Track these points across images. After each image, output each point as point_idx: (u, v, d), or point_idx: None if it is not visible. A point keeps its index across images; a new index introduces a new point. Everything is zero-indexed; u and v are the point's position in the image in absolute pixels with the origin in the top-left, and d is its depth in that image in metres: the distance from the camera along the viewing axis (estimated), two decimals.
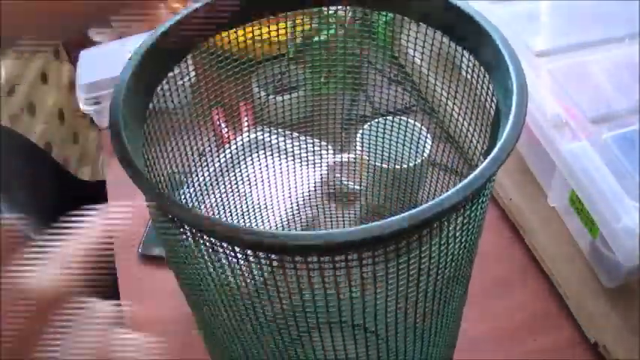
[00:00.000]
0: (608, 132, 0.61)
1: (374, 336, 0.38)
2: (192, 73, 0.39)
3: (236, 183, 0.55)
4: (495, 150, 0.30)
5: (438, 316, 0.40)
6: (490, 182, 0.35)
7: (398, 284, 0.33)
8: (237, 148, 0.56)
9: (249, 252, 0.29)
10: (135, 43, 0.38)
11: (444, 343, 0.46)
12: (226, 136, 0.67)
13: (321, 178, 0.66)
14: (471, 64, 0.36)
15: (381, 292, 0.33)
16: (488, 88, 0.36)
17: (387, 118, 0.58)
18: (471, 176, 0.28)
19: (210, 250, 0.30)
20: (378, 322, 0.36)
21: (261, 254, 0.29)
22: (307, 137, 0.56)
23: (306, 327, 0.36)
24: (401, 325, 0.37)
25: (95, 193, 0.85)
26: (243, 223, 0.58)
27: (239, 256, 0.30)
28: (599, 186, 0.56)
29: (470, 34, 0.35)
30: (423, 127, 0.60)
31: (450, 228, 0.31)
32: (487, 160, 0.30)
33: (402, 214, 0.27)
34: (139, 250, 0.69)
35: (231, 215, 0.57)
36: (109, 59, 0.84)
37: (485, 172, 0.29)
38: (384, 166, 0.62)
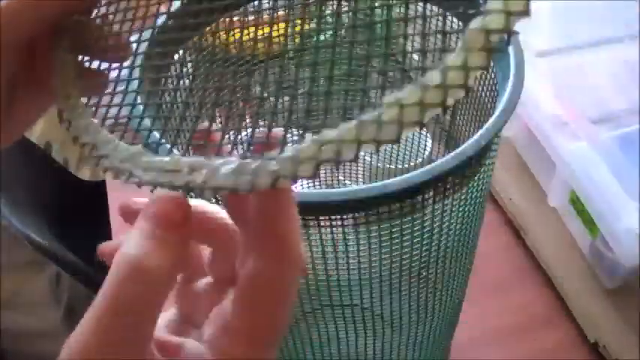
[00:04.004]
0: (608, 132, 0.61)
1: (380, 319, 0.39)
2: (192, 74, 0.39)
3: None
4: (497, 112, 0.31)
5: (442, 290, 0.41)
6: (494, 146, 0.35)
7: (402, 245, 0.33)
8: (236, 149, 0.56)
9: None
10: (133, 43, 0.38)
11: (445, 324, 0.46)
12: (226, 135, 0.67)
13: (321, 178, 0.66)
14: None
15: (386, 255, 0.34)
16: (489, 81, 0.36)
17: None
18: (477, 135, 0.29)
19: None
20: (383, 301, 0.36)
21: None
22: (307, 137, 0.56)
23: (311, 307, 0.36)
24: (405, 299, 0.38)
25: (95, 193, 0.85)
26: None
27: None
28: (599, 186, 0.56)
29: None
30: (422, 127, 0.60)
31: (455, 191, 0.32)
32: (490, 120, 0.31)
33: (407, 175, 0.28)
34: None
35: None
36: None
37: (490, 131, 0.30)
38: (384, 166, 0.62)
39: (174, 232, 0.20)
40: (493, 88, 0.39)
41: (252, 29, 0.36)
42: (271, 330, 0.21)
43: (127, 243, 0.20)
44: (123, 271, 0.19)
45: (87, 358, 0.19)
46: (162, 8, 0.31)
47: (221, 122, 0.34)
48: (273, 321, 0.21)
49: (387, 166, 0.62)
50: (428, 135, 0.60)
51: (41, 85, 0.28)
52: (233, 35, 0.40)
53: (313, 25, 0.39)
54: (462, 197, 0.35)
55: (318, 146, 0.19)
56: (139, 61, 0.28)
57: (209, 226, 0.25)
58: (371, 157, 0.62)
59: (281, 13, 0.41)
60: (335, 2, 0.38)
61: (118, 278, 0.19)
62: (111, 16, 0.28)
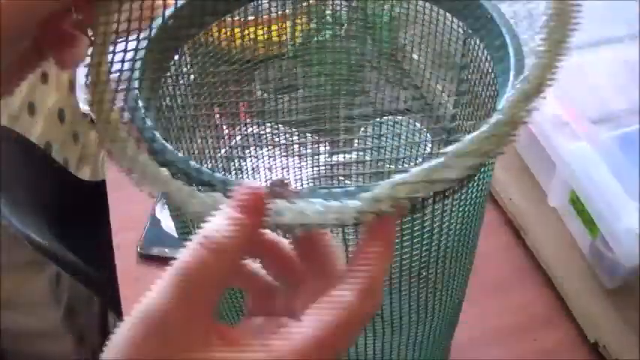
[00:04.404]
0: (608, 132, 0.61)
1: (380, 319, 0.39)
2: (192, 74, 0.39)
3: None
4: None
5: (442, 290, 0.41)
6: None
7: (402, 245, 0.34)
8: (236, 148, 0.56)
9: None
10: (133, 43, 0.38)
11: (445, 324, 0.46)
12: (226, 135, 0.67)
13: (321, 179, 0.65)
14: (472, 57, 0.37)
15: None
16: (489, 81, 0.36)
17: (387, 118, 0.58)
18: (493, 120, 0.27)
19: None
20: (383, 301, 0.36)
21: None
22: (307, 137, 0.56)
23: None
24: (405, 299, 0.38)
25: (95, 193, 0.85)
26: None
27: None
28: (599, 186, 0.56)
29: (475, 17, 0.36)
30: (423, 127, 0.60)
31: (455, 191, 0.32)
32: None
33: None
34: (139, 249, 0.69)
35: None
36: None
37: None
38: (384, 166, 0.62)
39: (247, 216, 0.23)
40: (493, 88, 0.39)
41: (252, 29, 0.36)
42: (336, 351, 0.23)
43: (208, 222, 0.23)
44: (196, 240, 0.22)
45: (152, 310, 0.22)
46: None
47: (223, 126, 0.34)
48: (343, 345, 0.24)
49: (387, 166, 0.62)
50: (428, 135, 0.60)
51: (41, 55, 0.33)
52: (234, 35, 0.40)
53: (313, 25, 0.39)
54: (462, 197, 0.35)
55: (393, 186, 0.23)
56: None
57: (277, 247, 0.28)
58: (371, 157, 0.62)
59: (281, 13, 0.41)
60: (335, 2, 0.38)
61: (192, 246, 0.22)
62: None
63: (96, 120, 0.29)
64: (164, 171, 0.27)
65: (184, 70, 0.39)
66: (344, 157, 0.66)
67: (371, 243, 0.24)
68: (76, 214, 0.97)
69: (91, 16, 0.31)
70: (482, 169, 0.35)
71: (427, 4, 0.40)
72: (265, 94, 0.54)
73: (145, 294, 0.22)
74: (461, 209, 0.36)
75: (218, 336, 0.23)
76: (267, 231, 0.27)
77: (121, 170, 0.28)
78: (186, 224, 0.36)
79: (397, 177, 0.23)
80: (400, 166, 0.62)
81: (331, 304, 0.23)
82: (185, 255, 0.22)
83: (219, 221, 0.23)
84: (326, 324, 0.23)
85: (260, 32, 0.40)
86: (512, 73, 0.33)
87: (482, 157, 0.22)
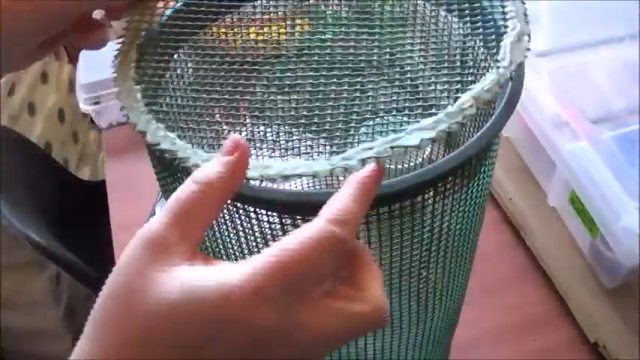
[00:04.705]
0: (608, 132, 0.61)
1: None
2: (193, 74, 0.39)
3: None
4: (497, 112, 0.32)
5: (442, 290, 0.41)
6: (494, 146, 0.36)
7: (402, 245, 0.34)
8: None
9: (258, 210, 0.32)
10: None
11: (445, 324, 0.46)
12: (226, 135, 0.67)
13: (321, 179, 0.65)
14: (473, 56, 0.37)
15: (386, 255, 0.34)
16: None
17: (387, 118, 0.58)
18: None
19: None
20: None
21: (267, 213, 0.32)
22: (307, 137, 0.56)
23: None
24: (405, 299, 0.38)
25: (95, 193, 0.85)
26: None
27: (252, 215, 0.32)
28: (599, 186, 0.56)
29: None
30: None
31: (455, 191, 0.33)
32: (490, 120, 0.32)
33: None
34: None
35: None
36: (109, 59, 0.84)
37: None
38: (384, 166, 0.62)
39: (232, 158, 0.27)
40: None
41: (252, 29, 0.36)
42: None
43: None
44: (190, 178, 0.27)
45: (150, 230, 0.27)
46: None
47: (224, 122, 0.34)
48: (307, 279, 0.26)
49: (387, 166, 0.62)
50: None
51: (65, 35, 0.38)
52: (234, 35, 0.40)
53: (313, 25, 0.39)
54: (462, 197, 0.35)
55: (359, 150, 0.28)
56: None
57: None
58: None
59: (281, 13, 0.41)
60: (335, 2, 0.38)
61: (186, 182, 0.27)
62: None
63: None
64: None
65: (184, 70, 0.39)
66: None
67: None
68: (76, 214, 0.97)
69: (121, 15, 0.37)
70: (483, 169, 0.35)
71: (427, 4, 0.40)
72: (265, 94, 0.54)
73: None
74: (461, 209, 0.36)
75: (201, 258, 0.26)
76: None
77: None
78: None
79: (365, 144, 0.28)
80: (400, 166, 0.62)
81: (297, 237, 0.25)
82: (180, 188, 0.26)
83: (210, 165, 0.27)
84: (291, 251, 0.25)
85: (260, 32, 0.40)
86: (509, 38, 0.33)
87: (432, 132, 0.28)
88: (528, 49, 0.31)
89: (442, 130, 0.28)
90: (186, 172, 0.29)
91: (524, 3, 0.35)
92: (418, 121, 0.28)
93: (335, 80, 0.35)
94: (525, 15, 0.34)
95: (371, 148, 0.28)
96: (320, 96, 0.34)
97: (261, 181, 0.29)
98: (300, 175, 0.28)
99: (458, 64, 0.37)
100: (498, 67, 0.30)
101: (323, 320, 0.26)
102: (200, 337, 0.24)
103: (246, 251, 0.35)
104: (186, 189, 0.26)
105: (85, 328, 0.25)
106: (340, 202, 0.26)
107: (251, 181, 0.29)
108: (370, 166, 0.28)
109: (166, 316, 0.24)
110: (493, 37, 0.36)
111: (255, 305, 0.24)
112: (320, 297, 0.26)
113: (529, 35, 0.32)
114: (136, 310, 0.25)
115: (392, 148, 0.28)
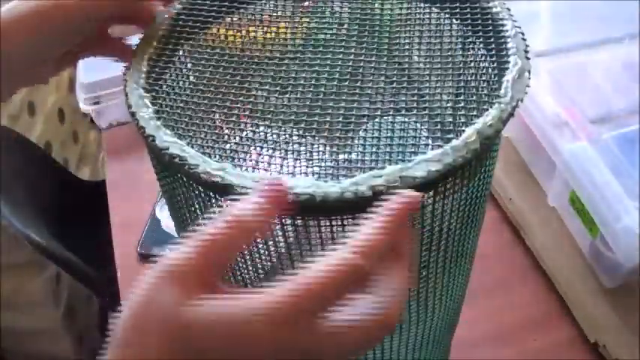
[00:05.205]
0: (608, 132, 0.61)
1: None
2: (190, 75, 0.39)
3: None
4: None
5: (442, 290, 0.41)
6: (494, 146, 0.36)
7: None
8: (236, 148, 0.56)
9: None
10: (134, 43, 0.38)
11: (445, 324, 0.46)
12: (226, 135, 0.67)
13: (321, 178, 0.65)
14: (473, 55, 0.37)
15: None
16: (489, 81, 0.36)
17: (387, 118, 0.58)
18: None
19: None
20: None
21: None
22: (307, 137, 0.56)
23: None
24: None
25: (95, 193, 0.85)
26: None
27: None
28: (599, 186, 0.56)
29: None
30: (423, 127, 0.60)
31: (455, 191, 0.33)
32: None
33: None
34: (139, 249, 0.69)
35: None
36: (108, 59, 0.84)
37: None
38: (384, 166, 0.61)
39: (271, 205, 0.27)
40: (492, 87, 0.39)
41: (252, 29, 0.36)
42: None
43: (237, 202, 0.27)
44: (225, 216, 0.27)
45: (174, 260, 0.26)
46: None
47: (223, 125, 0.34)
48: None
49: (388, 166, 0.62)
50: (428, 135, 0.60)
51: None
52: (234, 35, 0.40)
53: (313, 25, 0.39)
54: (462, 197, 0.35)
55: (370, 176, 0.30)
56: None
57: None
58: (370, 157, 0.62)
59: (281, 13, 0.41)
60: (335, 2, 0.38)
61: (220, 219, 0.26)
62: None
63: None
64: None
65: (184, 70, 0.39)
66: (344, 157, 0.66)
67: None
68: (76, 214, 0.97)
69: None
70: (483, 169, 0.35)
71: (427, 5, 0.40)
72: (265, 94, 0.54)
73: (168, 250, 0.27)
74: (461, 209, 0.36)
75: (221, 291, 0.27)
76: None
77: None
78: (183, 215, 0.36)
79: (375, 172, 0.30)
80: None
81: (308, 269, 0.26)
82: (212, 226, 0.26)
83: (246, 204, 0.27)
84: (302, 285, 0.25)
85: (260, 32, 0.40)
86: (511, 74, 0.33)
87: (439, 165, 0.30)
88: (528, 86, 0.33)
89: (448, 163, 0.30)
90: (192, 177, 0.30)
91: (524, 39, 0.36)
92: (417, 122, 0.28)
93: (335, 80, 0.35)
94: (526, 52, 0.35)
95: (380, 176, 0.29)
96: (320, 96, 0.34)
97: None
98: (311, 195, 0.29)
99: (458, 64, 0.37)
100: (500, 104, 0.32)
101: (339, 330, 0.26)
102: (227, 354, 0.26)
103: (246, 252, 0.35)
104: (221, 225, 0.26)
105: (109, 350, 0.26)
106: (370, 233, 0.27)
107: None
108: (406, 196, 0.28)
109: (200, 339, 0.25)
110: (492, 38, 0.36)
111: (280, 329, 0.25)
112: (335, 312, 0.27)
113: (529, 72, 0.34)
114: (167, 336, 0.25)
115: (400, 177, 0.29)
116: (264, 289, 0.26)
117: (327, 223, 0.31)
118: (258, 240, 0.35)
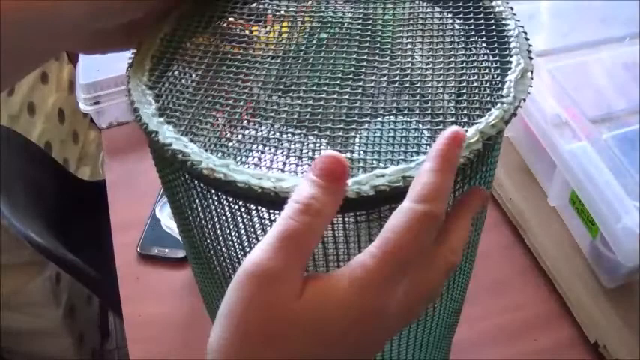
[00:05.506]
0: (608, 132, 0.61)
1: None
2: (193, 73, 0.39)
3: None
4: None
5: (443, 289, 0.41)
6: (496, 146, 0.36)
7: None
8: (236, 148, 0.56)
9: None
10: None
11: (445, 324, 0.46)
12: (228, 133, 0.67)
13: None
14: (473, 55, 0.37)
15: None
16: (490, 80, 0.36)
17: (389, 118, 0.58)
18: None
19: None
20: None
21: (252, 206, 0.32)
22: (307, 137, 0.56)
23: None
24: None
25: (95, 193, 0.85)
26: None
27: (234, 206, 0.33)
28: (599, 186, 0.56)
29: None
30: (423, 127, 0.60)
31: (455, 191, 0.33)
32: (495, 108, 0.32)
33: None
34: (138, 249, 0.69)
35: None
36: (109, 59, 0.84)
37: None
38: (385, 165, 0.62)
39: (335, 184, 0.27)
40: (494, 87, 0.39)
41: (252, 29, 0.36)
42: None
43: (297, 190, 0.27)
44: (292, 208, 0.26)
45: (259, 265, 0.25)
46: None
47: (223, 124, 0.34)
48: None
49: (387, 166, 0.62)
50: (428, 135, 0.60)
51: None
52: (234, 35, 0.40)
53: (313, 25, 0.39)
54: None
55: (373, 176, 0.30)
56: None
57: None
58: (371, 157, 0.62)
59: (281, 13, 0.41)
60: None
61: (287, 214, 0.26)
62: None
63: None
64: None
65: (187, 68, 0.39)
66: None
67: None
68: (76, 215, 0.97)
69: None
70: (485, 169, 0.35)
71: (429, 4, 0.40)
72: (265, 94, 0.54)
73: (251, 252, 0.26)
74: None
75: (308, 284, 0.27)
76: None
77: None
78: (185, 212, 0.36)
79: (378, 171, 0.30)
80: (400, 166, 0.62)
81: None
82: (289, 218, 0.26)
83: (310, 191, 0.26)
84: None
85: (261, 32, 0.40)
86: (514, 74, 0.33)
87: None
88: (531, 86, 0.33)
89: None
90: (194, 174, 0.30)
91: (527, 39, 0.36)
92: (419, 122, 0.28)
93: (335, 80, 0.35)
94: (529, 51, 0.35)
95: (383, 176, 0.30)
96: (322, 96, 0.34)
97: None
98: None
99: (460, 64, 0.37)
100: (503, 104, 0.32)
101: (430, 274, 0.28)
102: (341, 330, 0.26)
103: (247, 249, 0.35)
104: (297, 218, 0.26)
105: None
106: (424, 178, 0.28)
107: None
108: (448, 133, 0.28)
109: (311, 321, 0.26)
110: (495, 38, 0.36)
111: (379, 293, 0.26)
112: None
113: (531, 72, 0.34)
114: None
115: (403, 178, 0.29)
116: (352, 267, 0.26)
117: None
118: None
